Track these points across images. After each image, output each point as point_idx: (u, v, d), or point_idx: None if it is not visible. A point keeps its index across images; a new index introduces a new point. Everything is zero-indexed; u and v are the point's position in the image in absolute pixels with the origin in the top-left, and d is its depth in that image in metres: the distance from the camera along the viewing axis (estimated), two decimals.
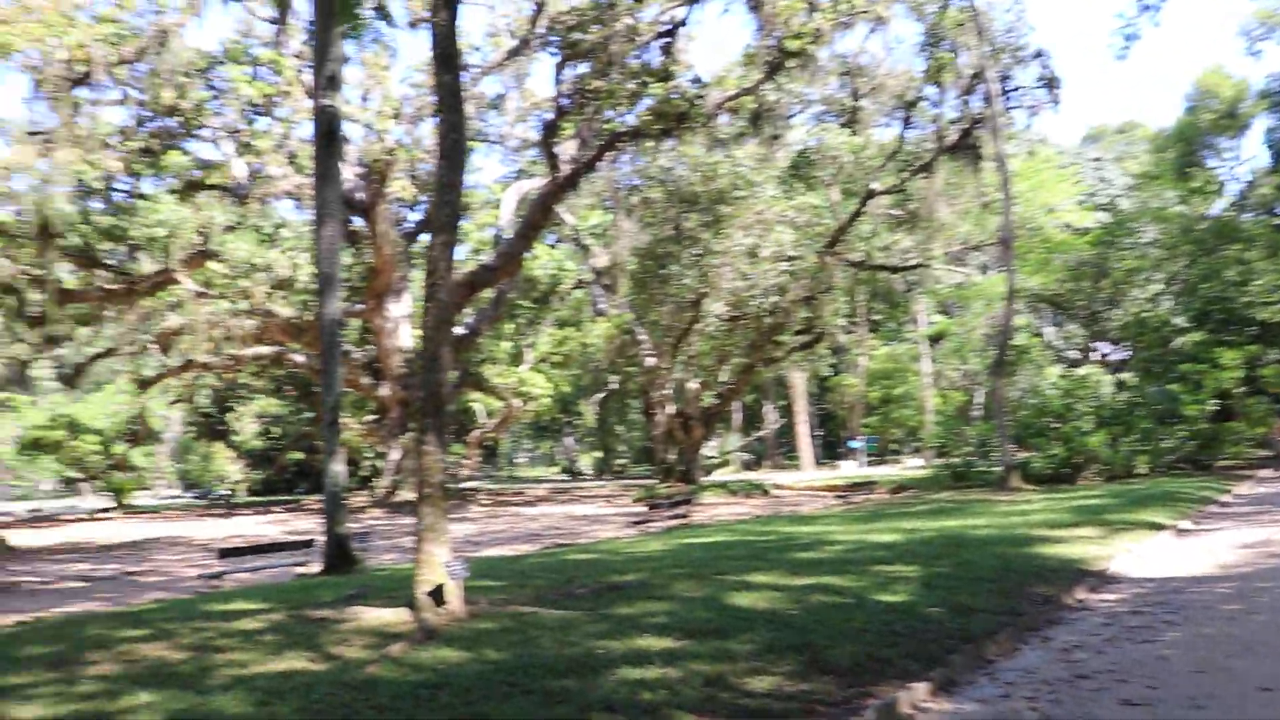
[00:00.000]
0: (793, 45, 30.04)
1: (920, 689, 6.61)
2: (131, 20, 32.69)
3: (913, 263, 43.15)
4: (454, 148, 11.03)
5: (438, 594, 9.43)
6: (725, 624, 8.34)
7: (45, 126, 31.76)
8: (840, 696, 6.34)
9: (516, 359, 51.28)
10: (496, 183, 50.88)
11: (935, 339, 63.24)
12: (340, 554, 16.01)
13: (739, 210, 38.11)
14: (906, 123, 38.69)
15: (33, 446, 51.34)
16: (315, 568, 16.17)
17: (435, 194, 11.10)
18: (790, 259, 38.83)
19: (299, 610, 10.19)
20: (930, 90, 37.18)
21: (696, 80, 31.61)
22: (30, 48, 29.45)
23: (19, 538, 30.32)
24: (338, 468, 16.80)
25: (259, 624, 9.53)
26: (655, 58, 31.18)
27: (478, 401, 54.04)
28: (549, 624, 8.71)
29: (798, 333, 42.86)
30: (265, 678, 7.13)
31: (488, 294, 40.03)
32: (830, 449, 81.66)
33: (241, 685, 6.89)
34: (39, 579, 19.60)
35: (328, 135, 17.72)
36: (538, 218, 32.62)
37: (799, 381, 65.49)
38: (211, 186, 38.36)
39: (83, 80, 31.20)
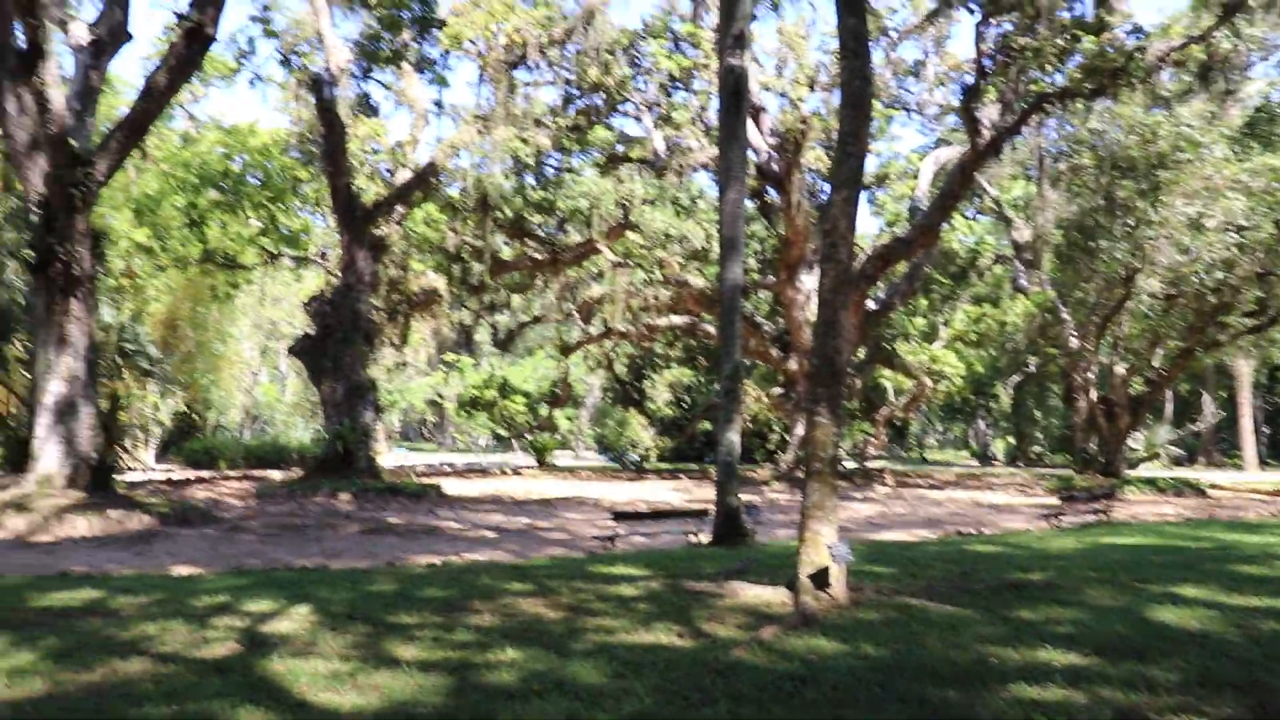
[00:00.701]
0: None
1: None
2: (561, 3, 34.54)
3: None
4: (858, 96, 10.26)
5: (820, 577, 8.82)
6: (1145, 643, 7.05)
7: (486, 108, 34.31)
8: None
9: (930, 336, 49.60)
10: (914, 152, 49.47)
11: None
12: (729, 526, 15.74)
13: (1181, 176, 34.37)
14: None
15: (471, 404, 56.16)
16: (705, 537, 16.03)
17: (837, 146, 10.36)
18: (1241, 229, 34.52)
19: (677, 580, 9.95)
20: None
21: (1136, 30, 28.71)
22: (476, 35, 31.96)
23: (452, 486, 33.01)
24: (732, 437, 16.51)
25: (635, 590, 9.37)
26: (1088, 9, 28.60)
27: (887, 379, 52.78)
28: (937, 620, 7.83)
29: (1246, 314, 38.21)
30: (628, 648, 6.85)
31: (902, 267, 38.82)
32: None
33: (603, 653, 6.66)
34: (459, 525, 21.01)
35: (734, 95, 17.45)
36: (956, 187, 31.01)
37: (1245, 370, 59.42)
38: (632, 160, 39.88)
39: (518, 62, 33.41)
